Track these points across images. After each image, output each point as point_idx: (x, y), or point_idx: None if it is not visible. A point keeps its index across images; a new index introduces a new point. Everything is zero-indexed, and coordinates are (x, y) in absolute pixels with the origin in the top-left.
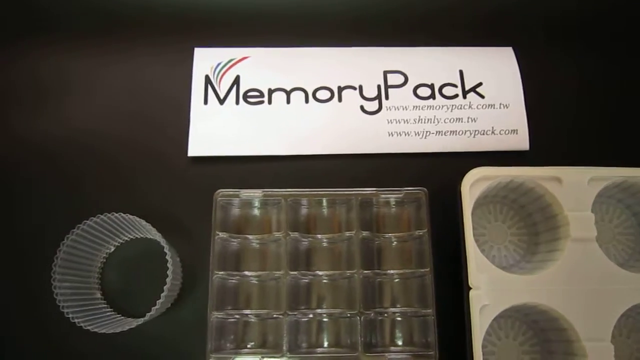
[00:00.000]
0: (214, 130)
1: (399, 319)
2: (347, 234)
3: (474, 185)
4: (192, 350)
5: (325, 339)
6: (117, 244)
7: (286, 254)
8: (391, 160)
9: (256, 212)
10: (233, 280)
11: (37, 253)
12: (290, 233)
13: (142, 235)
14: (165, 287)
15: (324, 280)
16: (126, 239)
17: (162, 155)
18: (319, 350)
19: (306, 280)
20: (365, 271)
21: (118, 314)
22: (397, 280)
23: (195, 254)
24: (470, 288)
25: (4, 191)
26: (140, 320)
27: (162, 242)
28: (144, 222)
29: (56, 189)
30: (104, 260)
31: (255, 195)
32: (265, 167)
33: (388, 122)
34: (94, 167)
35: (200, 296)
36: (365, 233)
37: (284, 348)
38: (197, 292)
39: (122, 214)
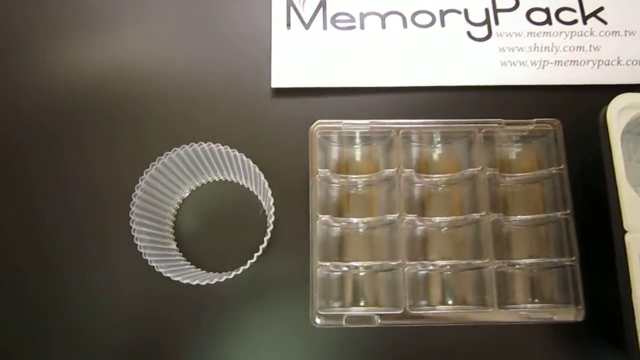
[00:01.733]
0: (299, 58)
1: (533, 270)
2: (470, 171)
3: (619, 114)
4: (288, 308)
5: (448, 296)
6: (193, 187)
7: (401, 193)
8: (503, 93)
9: (358, 150)
10: (336, 227)
11: (114, 192)
12: (404, 169)
13: (220, 178)
14: (265, 238)
15: (444, 229)
16: (203, 181)
17: (241, 87)
18: (443, 308)
19: (422, 228)
20: (495, 214)
21: (197, 267)
22: (527, 227)
23: (284, 199)
24: (624, 232)
25: (74, 126)
26: (232, 274)
27: (263, 184)
28: (241, 156)
29: (126, 125)
30: (178, 206)
31: (360, 126)
32: (356, 102)
33: (500, 50)
34: (166, 101)
35: (293, 247)
36: (491, 170)
37: (405, 304)
38: (289, 243)
39: (213, 145)
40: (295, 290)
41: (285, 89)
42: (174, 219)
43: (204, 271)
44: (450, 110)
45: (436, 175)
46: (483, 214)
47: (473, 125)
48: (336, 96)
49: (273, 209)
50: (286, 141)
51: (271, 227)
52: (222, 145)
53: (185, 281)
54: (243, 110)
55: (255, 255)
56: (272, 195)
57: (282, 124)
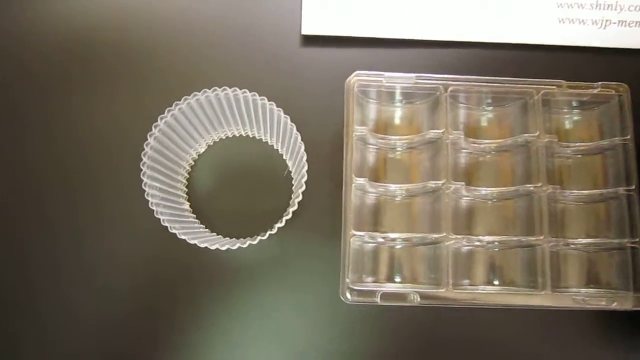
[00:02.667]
0: (335, 2)
1: (590, 251)
2: (525, 137)
3: None
4: (314, 281)
5: (494, 275)
6: (210, 141)
7: (447, 156)
8: (560, 54)
9: (398, 109)
10: (372, 194)
11: (126, 140)
12: (453, 132)
13: (241, 132)
14: (296, 199)
15: (492, 201)
16: (222, 135)
17: (267, 32)
18: (488, 288)
19: (467, 199)
20: (551, 187)
21: (212, 232)
22: (585, 203)
23: (312, 160)
24: None
25: (83, 66)
26: (257, 239)
27: (295, 139)
28: (271, 106)
29: (141, 69)
30: (192, 162)
31: (404, 80)
32: (395, 56)
33: (558, 6)
34: (184, 43)
35: (322, 213)
36: (549, 138)
37: (448, 283)
38: (316, 208)
39: (239, 91)
40: (322, 261)
41: (317, 37)
42: (187, 176)
43: (219, 236)
44: (499, 71)
45: (486, 141)
46: (538, 185)
47: (531, 86)
48: (374, 48)
49: (306, 167)
50: (315, 96)
51: (303, 187)
52: (250, 92)
53: (202, 245)
54: (268, 59)
55: (284, 218)
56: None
57: (311, 77)
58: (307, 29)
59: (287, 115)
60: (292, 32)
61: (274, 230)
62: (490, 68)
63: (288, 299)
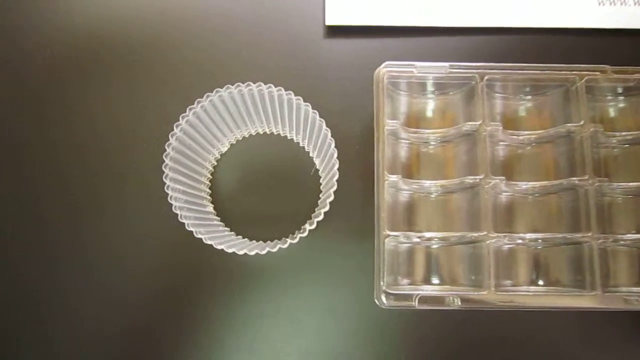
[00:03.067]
0: None
1: None
2: (568, 127)
3: None
4: (346, 284)
5: (537, 275)
6: (233, 140)
7: (486, 149)
8: (601, 38)
9: (431, 101)
10: (405, 191)
11: (147, 140)
12: (490, 123)
13: (265, 130)
14: (327, 199)
15: (533, 195)
16: (245, 134)
17: (288, 24)
18: (532, 288)
19: (507, 194)
20: (599, 179)
21: (237, 235)
22: (634, 197)
23: (339, 157)
24: None
25: (107, 67)
26: (287, 242)
27: (323, 136)
28: (297, 101)
29: (162, 65)
30: (215, 163)
31: (437, 70)
32: (425, 45)
33: None
34: (203, 40)
35: (352, 213)
36: (594, 127)
37: (490, 284)
38: (346, 208)
39: (264, 86)
40: (354, 263)
41: (341, 27)
42: (210, 177)
43: (245, 239)
44: (536, 59)
45: (526, 132)
46: (584, 178)
47: (573, 72)
48: (401, 37)
49: (337, 165)
50: (341, 90)
51: (334, 186)
52: (275, 87)
53: (230, 250)
54: (290, 53)
55: (316, 220)
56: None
57: (336, 70)
58: (331, 19)
59: (315, 111)
60: (315, 23)
61: (305, 233)
62: (526, 55)
63: (319, 303)
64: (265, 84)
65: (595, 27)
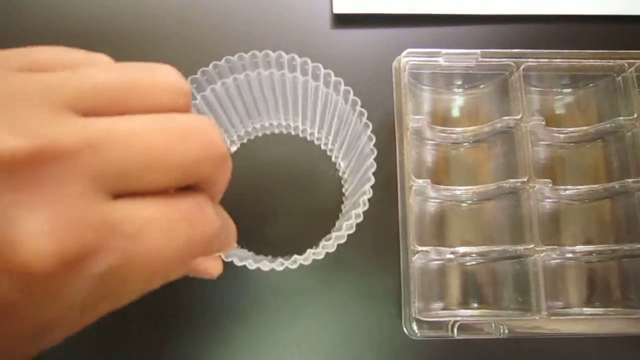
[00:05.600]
0: None
1: None
2: (619, 121)
3: None
4: (369, 312)
5: (592, 294)
6: (243, 139)
7: (528, 148)
8: (636, 26)
9: (458, 96)
10: (434, 200)
11: None
12: (531, 118)
13: (272, 124)
14: (351, 208)
15: (580, 201)
16: (250, 129)
17: (293, 12)
18: (587, 311)
19: (550, 201)
20: None
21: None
22: None
23: None
24: None
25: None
26: (310, 258)
27: (362, 130)
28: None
29: (157, 51)
30: None
31: (466, 58)
32: (444, 35)
33: None
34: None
35: (373, 225)
36: None
37: (541, 307)
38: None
39: (276, 72)
40: (376, 284)
41: (350, 16)
42: None
43: (250, 252)
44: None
45: (570, 129)
46: (637, 180)
47: (620, 60)
48: (417, 27)
49: (374, 167)
50: (351, 85)
51: (369, 193)
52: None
53: (239, 264)
54: (295, 43)
55: (346, 232)
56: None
57: (346, 63)
58: (339, 7)
59: (356, 98)
60: (322, 11)
61: (333, 249)
62: (562, 45)
63: (336, 334)
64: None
65: (626, 13)
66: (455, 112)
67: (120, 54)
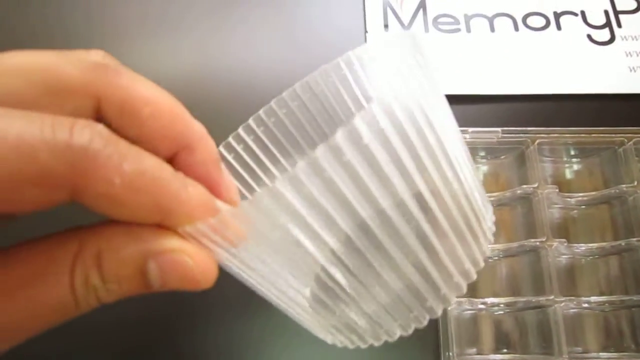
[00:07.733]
0: None
1: None
2: (622, 188)
3: None
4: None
5: (608, 339)
6: None
7: (545, 211)
8: (633, 102)
9: (482, 166)
10: None
11: None
12: (547, 186)
13: None
14: None
15: (592, 257)
16: None
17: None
18: (604, 355)
19: (566, 257)
20: None
21: None
22: None
23: None
24: None
25: None
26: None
27: None
28: None
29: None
30: None
31: (489, 135)
32: (462, 111)
33: (627, 55)
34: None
35: None
36: None
37: (562, 350)
38: None
39: None
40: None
41: None
42: None
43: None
44: (569, 120)
45: (581, 194)
46: None
47: (620, 134)
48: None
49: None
50: None
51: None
52: None
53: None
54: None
55: None
56: None
57: None
58: None
59: None
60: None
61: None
62: (553, 119)
63: None
64: None
65: (626, 92)
66: (480, 177)
67: None
